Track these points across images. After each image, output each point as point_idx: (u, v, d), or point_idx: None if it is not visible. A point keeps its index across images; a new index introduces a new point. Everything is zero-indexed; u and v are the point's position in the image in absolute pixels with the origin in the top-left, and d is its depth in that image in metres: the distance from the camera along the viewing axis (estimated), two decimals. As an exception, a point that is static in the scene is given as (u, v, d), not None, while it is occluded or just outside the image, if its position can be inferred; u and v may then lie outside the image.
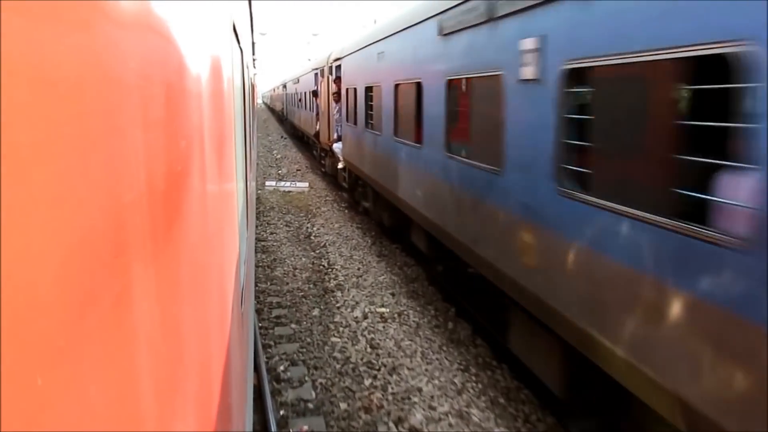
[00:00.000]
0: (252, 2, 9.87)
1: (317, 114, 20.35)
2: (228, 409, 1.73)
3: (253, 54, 17.49)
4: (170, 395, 0.90)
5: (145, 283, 0.75)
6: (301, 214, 14.65)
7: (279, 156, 27.76)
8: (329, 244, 11.63)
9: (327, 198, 16.57)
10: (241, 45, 4.07)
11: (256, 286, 9.00)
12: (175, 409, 0.93)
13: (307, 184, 18.21)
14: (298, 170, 22.28)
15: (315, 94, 20.69)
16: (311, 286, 9.30)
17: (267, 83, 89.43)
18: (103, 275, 0.59)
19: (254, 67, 20.35)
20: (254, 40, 16.74)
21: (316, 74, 20.94)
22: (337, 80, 15.41)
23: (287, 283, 9.40)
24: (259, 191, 17.62)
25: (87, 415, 0.54)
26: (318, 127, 19.95)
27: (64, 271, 0.50)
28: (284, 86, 43.47)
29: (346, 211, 14.86)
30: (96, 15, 0.60)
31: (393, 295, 8.64)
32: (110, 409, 0.61)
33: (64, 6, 0.52)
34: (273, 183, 18.33)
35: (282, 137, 37.01)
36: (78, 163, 0.54)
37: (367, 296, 8.66)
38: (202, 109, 1.42)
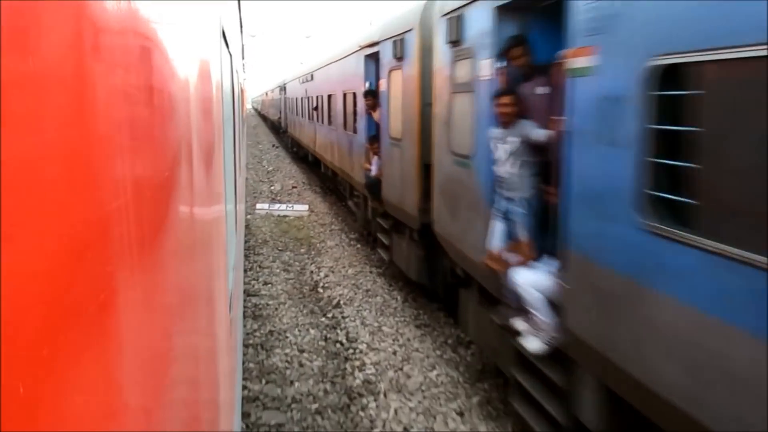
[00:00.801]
0: (241, 5, 8.94)
1: (376, 141, 9.38)
2: (216, 414, 1.72)
3: (243, 58, 17.27)
4: (157, 401, 0.89)
5: (131, 290, 0.74)
6: (302, 251, 11.52)
7: (271, 168, 24.60)
8: (345, 303, 8.51)
9: (333, 227, 13.43)
10: (231, 49, 4.01)
11: (243, 389, 5.89)
12: (162, 415, 0.92)
13: (306, 208, 15.08)
14: (293, 187, 19.14)
15: (373, 98, 9.44)
16: (328, 386, 6.17)
17: (258, 87, 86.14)
18: (89, 283, 0.59)
19: (244, 71, 20.37)
20: (243, 43, 15.79)
21: (371, 56, 9.60)
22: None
23: (291, 382, 6.25)
24: (248, 215, 14.49)
25: (69, 423, 0.53)
26: (374, 169, 9.45)
27: (50, 280, 0.50)
28: (282, 88, 31.69)
29: (359, 246, 11.74)
30: (82, 18, 0.59)
31: (460, 413, 5.53)
32: (95, 416, 0.59)
33: (49, 8, 0.51)
34: (265, 206, 15.17)
35: (273, 146, 33.84)
36: (62, 170, 0.54)
37: (418, 412, 5.55)
38: (190, 115, 1.41)
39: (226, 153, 2.99)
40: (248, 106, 78.10)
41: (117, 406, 0.67)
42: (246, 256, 11.03)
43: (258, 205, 15.18)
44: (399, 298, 8.67)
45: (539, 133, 4.55)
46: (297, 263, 10.71)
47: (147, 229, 0.85)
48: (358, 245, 11.84)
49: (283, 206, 15.13)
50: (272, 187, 19.55)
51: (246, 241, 12.04)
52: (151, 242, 0.88)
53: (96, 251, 0.62)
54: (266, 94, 56.83)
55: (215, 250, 2.00)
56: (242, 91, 13.77)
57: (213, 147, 2.03)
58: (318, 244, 11.93)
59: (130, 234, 0.74)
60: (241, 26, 10.80)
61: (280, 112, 34.39)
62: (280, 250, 11.52)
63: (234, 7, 5.71)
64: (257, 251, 11.44)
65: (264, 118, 60.31)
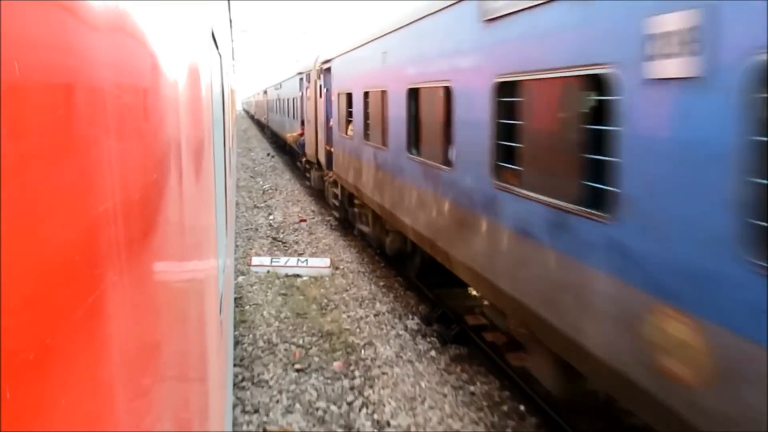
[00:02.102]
0: (231, 4, 8.37)
1: None
2: (205, 418, 1.69)
3: (233, 59, 15.69)
4: (147, 404, 0.89)
5: (119, 292, 0.73)
6: (334, 365, 6.43)
7: (267, 186, 19.50)
8: None
9: (378, 304, 8.30)
10: (220, 50, 4.02)
11: None
12: (151, 419, 0.91)
13: (327, 263, 9.94)
14: (301, 220, 14.00)
15: None
16: None
17: (251, 85, 79.77)
18: (77, 287, 0.59)
19: (234, 72, 18.76)
20: (233, 41, 14.31)
21: None
22: None
23: None
24: (240, 276, 9.39)
25: (56, 427, 0.52)
26: None
27: (37, 284, 0.50)
28: (322, 73, 13.39)
29: (434, 354, 6.67)
30: (70, 19, 0.59)
31: None
32: (83, 420, 0.59)
33: (36, 8, 0.50)
34: (266, 260, 10.02)
35: (269, 155, 28.65)
36: (50, 172, 0.53)
37: None
38: (179, 116, 1.41)
39: (215, 152, 3.01)
40: (238, 108, 72.86)
41: (105, 410, 0.66)
42: (238, 385, 5.94)
43: (255, 260, 10.01)
44: None
45: None
46: (334, 408, 5.59)
47: (135, 231, 0.85)
48: (432, 351, 6.76)
49: (293, 261, 9.99)
50: (271, 218, 14.42)
51: (236, 342, 6.93)
52: (139, 244, 0.88)
53: (84, 254, 0.61)
54: (265, 92, 41.86)
55: (205, 254, 1.97)
56: (232, 92, 12.78)
57: (202, 147, 2.04)
58: (362, 349, 6.83)
59: (118, 237, 0.74)
60: (231, 26, 10.14)
61: (302, 124, 17.68)
62: (298, 371, 6.36)
63: (224, 6, 5.80)
64: (257, 373, 6.28)
65: (261, 126, 49.17)
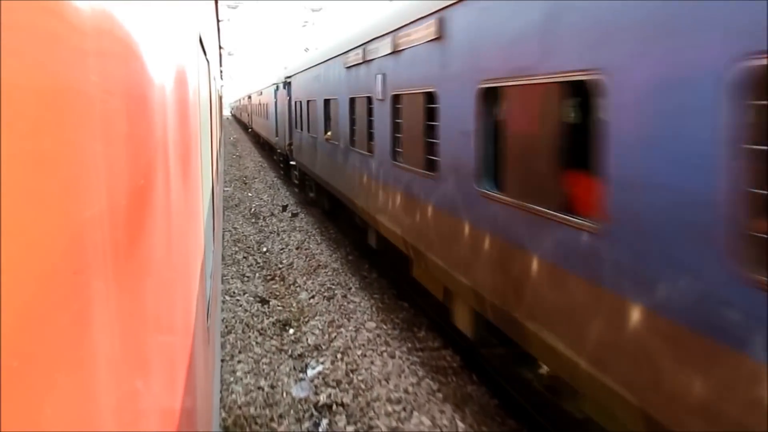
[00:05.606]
0: (218, 9, 8.74)
1: None
2: (194, 424, 1.65)
3: (221, 65, 15.33)
4: (133, 412, 0.87)
5: (105, 298, 0.72)
6: None
7: (315, 360, 6.28)
8: None
9: None
10: (208, 57, 4.03)
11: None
12: (138, 427, 0.90)
13: None
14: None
15: None
16: None
17: (242, 81, 69.87)
18: (62, 291, 0.58)
19: (221, 78, 18.87)
20: (221, 46, 14.06)
21: None
22: None
23: None
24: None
25: None
26: None
27: (22, 288, 0.48)
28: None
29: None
30: (57, 24, 0.57)
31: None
32: (67, 428, 0.57)
33: (23, 12, 0.48)
34: None
35: (285, 210, 15.54)
36: (36, 178, 0.52)
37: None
38: (166, 123, 1.41)
39: (203, 158, 2.99)
40: (225, 112, 65.38)
41: (90, 418, 0.64)
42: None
43: None
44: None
45: None
46: None
47: (122, 237, 0.84)
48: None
49: None
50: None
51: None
52: (126, 249, 0.86)
53: (70, 260, 0.59)
54: (259, 94, 29.89)
55: (191, 258, 1.96)
56: (220, 97, 12.60)
57: (189, 153, 2.02)
58: None
59: (104, 242, 0.72)
60: (219, 33, 9.99)
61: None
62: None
63: (211, 12, 5.68)
64: None
65: (263, 144, 33.15)
